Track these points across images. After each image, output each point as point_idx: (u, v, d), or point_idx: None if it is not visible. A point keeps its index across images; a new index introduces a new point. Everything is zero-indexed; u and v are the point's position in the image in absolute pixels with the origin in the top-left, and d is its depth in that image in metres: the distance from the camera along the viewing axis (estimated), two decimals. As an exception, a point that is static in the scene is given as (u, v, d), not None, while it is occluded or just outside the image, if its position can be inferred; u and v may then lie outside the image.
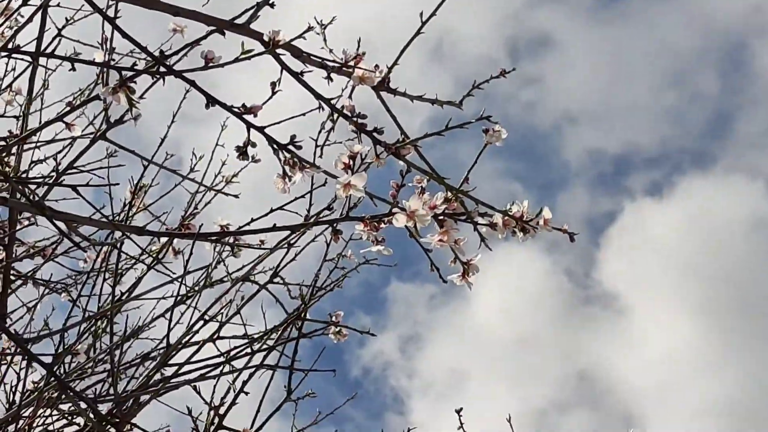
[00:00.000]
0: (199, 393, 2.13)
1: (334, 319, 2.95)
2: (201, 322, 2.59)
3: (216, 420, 2.08)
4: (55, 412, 2.56)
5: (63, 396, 1.96)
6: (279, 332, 2.39)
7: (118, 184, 2.33)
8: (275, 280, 2.71)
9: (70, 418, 2.39)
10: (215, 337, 2.52)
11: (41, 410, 2.57)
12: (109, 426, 1.84)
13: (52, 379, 1.78)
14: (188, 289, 2.79)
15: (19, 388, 2.44)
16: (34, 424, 2.65)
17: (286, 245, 2.71)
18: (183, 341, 2.34)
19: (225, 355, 2.33)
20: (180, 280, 1.91)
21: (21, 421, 2.67)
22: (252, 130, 1.59)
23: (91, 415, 1.87)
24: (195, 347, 2.55)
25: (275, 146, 1.58)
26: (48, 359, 1.94)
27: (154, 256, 2.77)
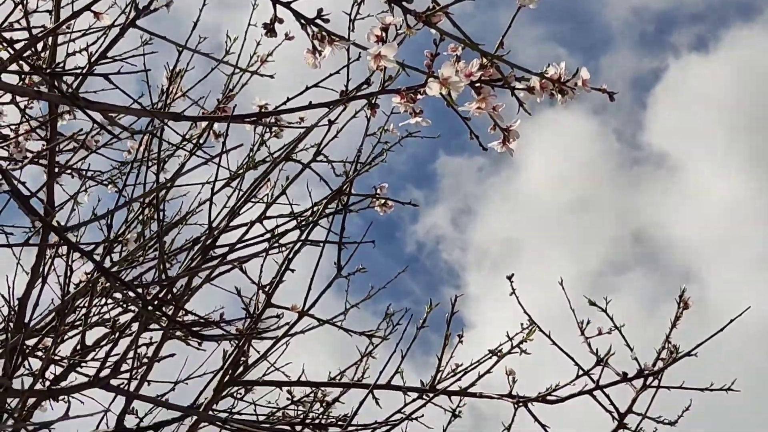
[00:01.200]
0: (246, 273, 2.15)
1: (378, 191, 2.95)
2: (247, 205, 2.60)
3: (264, 298, 2.10)
4: (109, 301, 2.60)
5: (112, 286, 1.98)
6: (323, 206, 2.39)
7: (150, 70, 2.31)
8: (318, 158, 2.70)
9: (124, 306, 2.42)
10: (262, 217, 2.53)
11: (96, 299, 2.61)
12: (158, 312, 1.86)
13: (98, 269, 1.79)
14: (232, 173, 2.80)
15: (73, 279, 2.47)
16: (91, 314, 2.70)
17: (326, 122, 2.69)
18: (228, 223, 2.35)
19: (271, 232, 2.33)
20: (219, 161, 1.90)
21: (77, 311, 2.72)
22: (278, 5, 1.56)
23: (140, 302, 1.88)
24: (242, 230, 2.57)
25: (302, 21, 1.55)
26: (95, 249, 1.95)
27: (194, 142, 2.77)
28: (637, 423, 2.61)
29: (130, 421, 2.67)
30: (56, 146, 2.85)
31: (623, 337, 2.63)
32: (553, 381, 2.72)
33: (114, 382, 2.18)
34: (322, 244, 2.24)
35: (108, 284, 2.14)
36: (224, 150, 2.21)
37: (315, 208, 2.42)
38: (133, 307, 2.46)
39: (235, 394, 2.58)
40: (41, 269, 1.96)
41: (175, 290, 2.03)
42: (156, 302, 1.88)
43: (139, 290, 1.92)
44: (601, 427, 2.69)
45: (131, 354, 2.02)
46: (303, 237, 2.23)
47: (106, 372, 2.01)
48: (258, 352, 2.57)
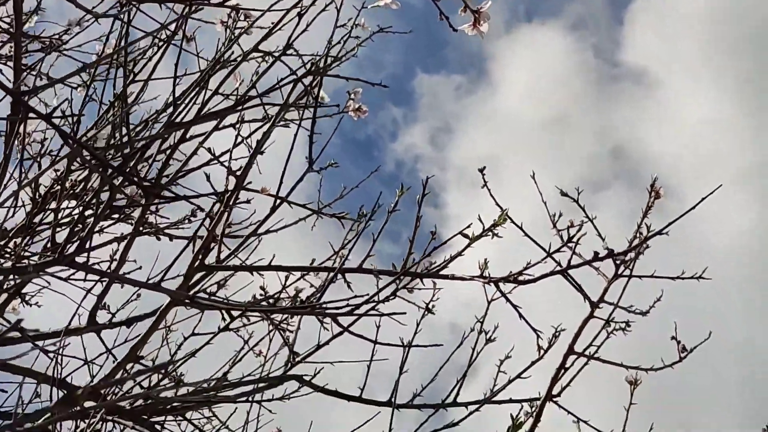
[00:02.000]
0: (213, 153, 2.13)
1: (352, 96, 2.93)
2: (217, 99, 2.58)
3: (234, 182, 2.08)
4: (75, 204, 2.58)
5: (73, 151, 1.96)
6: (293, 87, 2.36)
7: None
8: (289, 51, 2.68)
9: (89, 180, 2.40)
10: (231, 110, 2.51)
11: (64, 201, 2.60)
12: (120, 175, 1.84)
13: (61, 136, 1.77)
14: (202, 70, 2.77)
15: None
16: (60, 212, 2.68)
17: (296, 16, 2.66)
18: (198, 114, 2.33)
19: (238, 112, 2.31)
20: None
21: (47, 213, 2.70)
22: None
23: (100, 167, 1.87)
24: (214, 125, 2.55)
25: None
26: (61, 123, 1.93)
27: (165, 39, 2.74)
28: (609, 312, 2.63)
29: (102, 317, 2.67)
30: (23, 47, 2.81)
31: (595, 228, 2.63)
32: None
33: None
34: (296, 127, 2.22)
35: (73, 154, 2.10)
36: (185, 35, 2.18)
37: (285, 95, 2.39)
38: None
39: (207, 289, 2.58)
40: (11, 141, 1.93)
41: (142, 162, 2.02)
42: (118, 167, 1.87)
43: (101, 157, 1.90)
44: (573, 319, 2.71)
45: (99, 236, 2.00)
46: (272, 121, 2.21)
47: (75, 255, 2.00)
48: (229, 248, 2.57)
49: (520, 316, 2.43)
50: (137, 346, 2.25)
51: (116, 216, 2.66)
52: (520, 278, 2.34)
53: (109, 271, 2.14)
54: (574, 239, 2.41)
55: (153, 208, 2.60)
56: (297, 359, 2.84)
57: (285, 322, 2.86)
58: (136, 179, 1.94)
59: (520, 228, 2.59)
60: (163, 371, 2.74)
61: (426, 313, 2.74)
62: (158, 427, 2.77)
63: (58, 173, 2.72)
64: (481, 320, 2.74)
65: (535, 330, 2.49)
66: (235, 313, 2.44)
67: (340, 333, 2.85)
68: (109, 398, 2.71)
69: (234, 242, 2.56)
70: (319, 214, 2.39)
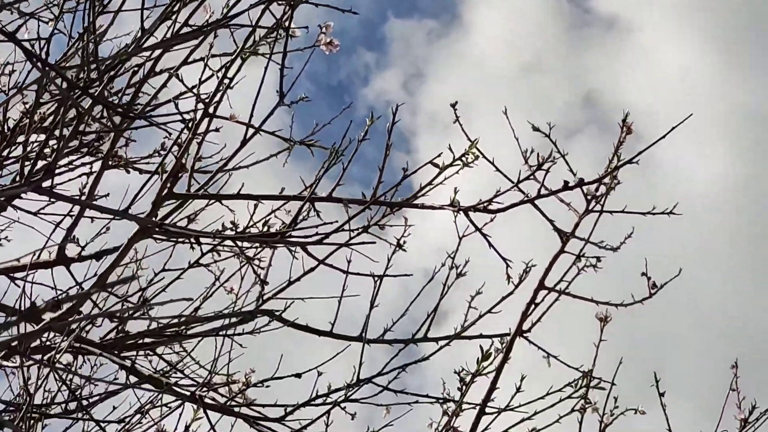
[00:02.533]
0: (181, 80, 2.11)
1: (324, 30, 2.89)
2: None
3: (203, 108, 2.06)
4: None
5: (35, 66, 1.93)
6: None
7: None
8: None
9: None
10: (202, 31, 2.47)
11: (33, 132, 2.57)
12: (92, 104, 1.82)
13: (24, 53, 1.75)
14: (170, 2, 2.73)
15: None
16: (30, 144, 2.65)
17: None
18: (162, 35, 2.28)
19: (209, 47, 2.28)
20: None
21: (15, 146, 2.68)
22: None
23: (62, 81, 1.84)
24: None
25: None
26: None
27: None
28: (580, 248, 2.63)
29: (72, 251, 2.65)
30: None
31: (567, 162, 2.62)
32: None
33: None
34: (266, 61, 2.19)
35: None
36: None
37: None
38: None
39: (177, 224, 2.56)
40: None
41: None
42: (85, 87, 1.84)
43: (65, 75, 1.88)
44: (545, 255, 2.71)
45: (65, 161, 1.98)
46: (243, 45, 2.18)
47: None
48: (199, 183, 2.55)
49: (490, 245, 2.43)
50: (105, 274, 2.24)
51: (85, 150, 2.64)
52: (490, 207, 2.33)
53: (77, 198, 2.12)
54: (544, 167, 2.40)
55: (122, 141, 2.58)
56: (268, 295, 2.84)
57: (256, 257, 2.86)
58: (105, 102, 1.91)
59: (491, 163, 2.58)
60: (133, 307, 2.73)
61: (397, 249, 2.74)
62: (128, 362, 2.77)
63: (27, 106, 2.70)
64: (452, 255, 2.74)
65: (504, 259, 2.49)
66: (204, 243, 2.42)
67: (312, 269, 2.86)
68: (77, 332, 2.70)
69: (204, 177, 2.54)
70: (291, 142, 2.36)
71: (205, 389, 2.50)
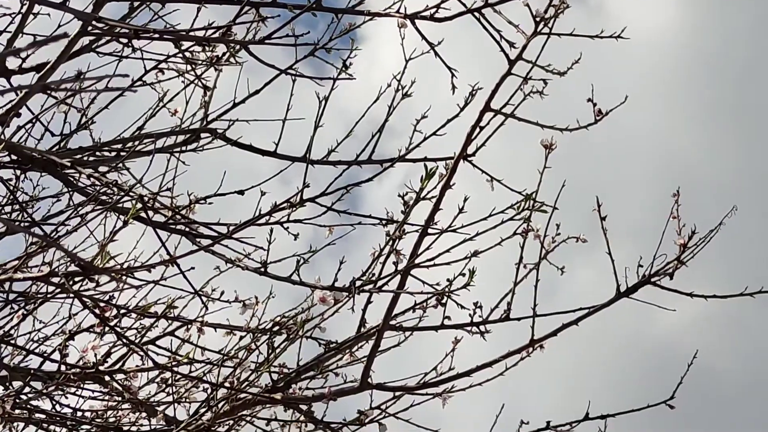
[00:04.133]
0: None
1: None
2: None
3: None
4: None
5: None
6: None
7: None
8: None
9: None
10: None
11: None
12: None
13: None
14: None
15: None
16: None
17: None
18: None
19: None
20: None
21: None
22: None
23: None
24: None
25: None
26: None
27: None
28: (528, 70, 2.61)
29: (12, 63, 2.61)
30: None
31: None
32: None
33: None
34: None
35: None
36: None
37: None
38: None
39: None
40: None
41: None
42: None
43: None
44: (491, 79, 2.69)
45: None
46: None
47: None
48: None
49: (436, 54, 2.41)
50: (46, 75, 2.19)
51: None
52: (437, 15, 2.29)
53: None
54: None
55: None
56: (212, 116, 2.82)
57: (201, 77, 2.83)
58: None
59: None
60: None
61: (343, 69, 2.71)
62: (72, 178, 2.74)
63: None
64: (398, 77, 2.73)
65: (450, 68, 2.48)
66: (148, 59, 2.37)
67: (257, 91, 2.83)
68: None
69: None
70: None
71: (148, 205, 2.48)
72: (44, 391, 2.79)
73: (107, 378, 2.86)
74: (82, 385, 2.88)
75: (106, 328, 2.15)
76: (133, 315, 2.53)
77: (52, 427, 2.97)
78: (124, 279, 2.42)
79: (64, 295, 2.54)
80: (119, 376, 2.97)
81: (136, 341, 2.81)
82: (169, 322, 2.80)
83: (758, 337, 6.23)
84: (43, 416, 2.87)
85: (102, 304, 2.11)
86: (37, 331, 2.98)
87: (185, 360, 2.50)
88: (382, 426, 2.74)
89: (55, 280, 2.00)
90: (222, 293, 2.81)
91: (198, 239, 2.65)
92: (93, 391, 2.91)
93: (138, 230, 3.08)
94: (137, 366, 2.41)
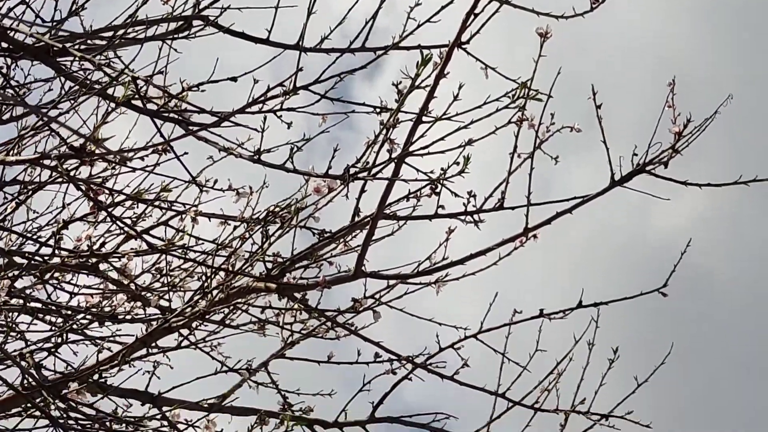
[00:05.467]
0: None
1: None
2: None
3: None
4: None
5: None
6: None
7: None
8: None
9: None
10: None
11: None
12: None
13: None
14: None
15: None
16: None
17: None
18: None
19: None
20: None
21: None
22: None
23: None
24: None
25: None
26: None
27: None
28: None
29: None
30: None
31: None
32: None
33: None
34: None
35: None
36: None
37: None
38: None
39: None
40: None
41: None
42: None
43: None
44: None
45: None
46: None
47: None
48: None
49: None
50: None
51: None
52: None
53: None
54: None
55: None
56: (204, 3, 2.78)
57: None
58: None
59: None
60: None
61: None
62: (63, 66, 2.72)
63: None
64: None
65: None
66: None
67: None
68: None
69: None
70: None
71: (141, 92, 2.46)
72: (39, 279, 2.80)
73: (102, 267, 2.88)
74: (77, 273, 2.90)
75: (101, 213, 2.15)
76: (128, 202, 2.53)
77: (47, 317, 2.99)
78: (118, 159, 2.42)
79: (59, 182, 2.53)
80: (115, 264, 2.98)
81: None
82: (163, 211, 2.81)
83: (753, 238, 6.26)
84: (39, 305, 2.89)
85: (96, 188, 2.10)
86: (32, 221, 2.98)
87: (180, 247, 2.50)
88: (376, 314, 2.77)
89: (48, 163, 1.99)
90: (216, 181, 2.81)
91: (191, 126, 2.62)
92: (88, 279, 2.93)
93: (130, 120, 3.07)
94: (132, 249, 2.41)
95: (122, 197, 2.42)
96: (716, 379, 5.68)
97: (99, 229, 2.83)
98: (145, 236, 2.48)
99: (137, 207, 2.67)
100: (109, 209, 2.24)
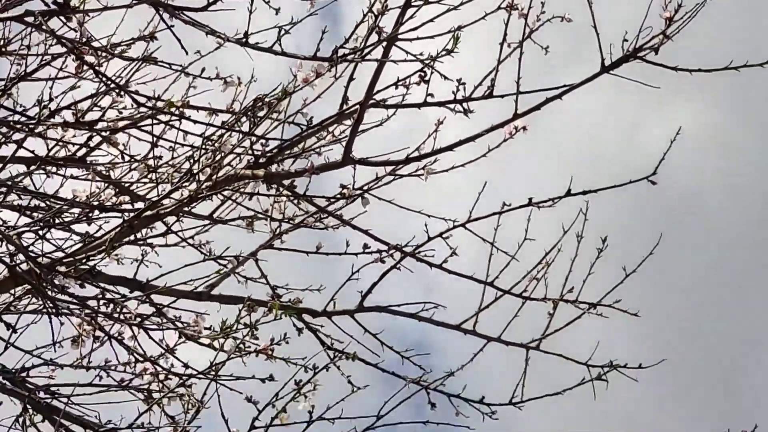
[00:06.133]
0: None
1: None
2: None
3: None
4: None
5: None
6: None
7: None
8: None
9: None
10: None
11: None
12: None
13: None
14: None
15: None
16: None
17: None
18: None
19: None
20: None
21: None
22: None
23: None
24: None
25: None
26: None
27: None
28: None
29: None
30: None
31: None
32: None
33: None
34: None
35: None
36: None
37: None
38: None
39: None
40: None
41: None
42: None
43: None
44: None
45: None
46: None
47: None
48: None
49: None
50: None
51: None
52: None
53: None
54: None
55: None
56: None
57: None
58: None
59: None
60: None
61: None
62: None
63: None
64: None
65: None
66: None
67: None
68: None
69: None
70: None
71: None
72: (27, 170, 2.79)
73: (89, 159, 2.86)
74: (64, 166, 2.88)
75: (86, 70, 2.12)
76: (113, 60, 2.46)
77: (34, 215, 2.97)
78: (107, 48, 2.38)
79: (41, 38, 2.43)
80: (102, 160, 2.97)
81: (116, 126, 2.79)
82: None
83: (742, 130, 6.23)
84: (25, 195, 2.86)
85: (81, 46, 2.07)
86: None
87: (167, 109, 2.45)
88: (364, 200, 2.75)
89: (31, 20, 1.96)
90: (203, 69, 2.77)
91: (178, 11, 2.60)
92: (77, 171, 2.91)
93: (117, 16, 3.03)
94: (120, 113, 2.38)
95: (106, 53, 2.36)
96: (704, 268, 5.66)
97: (85, 89, 2.76)
98: (133, 96, 2.44)
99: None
100: (95, 65, 2.20)
